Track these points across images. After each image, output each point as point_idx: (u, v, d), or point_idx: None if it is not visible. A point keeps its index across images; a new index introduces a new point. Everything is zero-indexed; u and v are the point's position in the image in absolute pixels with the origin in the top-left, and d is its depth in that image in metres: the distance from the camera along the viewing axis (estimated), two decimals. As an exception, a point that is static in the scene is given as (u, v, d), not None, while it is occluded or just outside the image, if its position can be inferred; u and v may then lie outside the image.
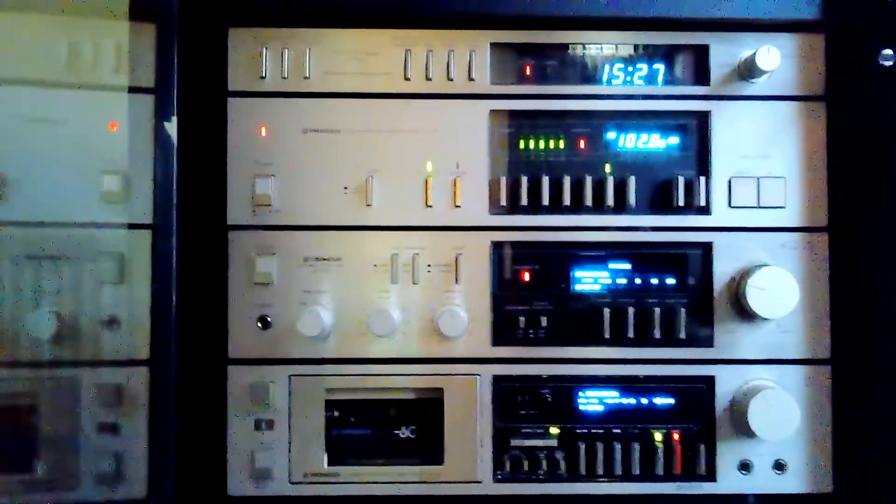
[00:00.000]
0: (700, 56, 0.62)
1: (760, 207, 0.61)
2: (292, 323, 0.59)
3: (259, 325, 0.59)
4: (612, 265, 0.61)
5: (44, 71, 0.57)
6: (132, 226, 0.58)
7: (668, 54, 0.62)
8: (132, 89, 0.58)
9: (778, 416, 0.58)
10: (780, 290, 0.58)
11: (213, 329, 0.60)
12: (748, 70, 0.61)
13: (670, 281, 0.61)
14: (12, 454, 0.56)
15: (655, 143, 0.62)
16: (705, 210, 0.61)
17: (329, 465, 0.59)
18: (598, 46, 0.62)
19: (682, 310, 0.60)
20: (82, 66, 0.58)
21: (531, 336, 0.60)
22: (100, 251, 0.57)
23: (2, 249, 0.57)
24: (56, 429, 0.56)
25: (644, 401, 0.61)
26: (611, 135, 0.62)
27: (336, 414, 0.60)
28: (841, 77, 0.61)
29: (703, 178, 0.61)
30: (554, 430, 0.60)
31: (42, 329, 0.56)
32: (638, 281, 0.61)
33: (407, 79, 0.61)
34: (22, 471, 0.56)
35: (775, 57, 0.59)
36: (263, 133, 0.60)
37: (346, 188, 0.60)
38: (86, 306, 0.57)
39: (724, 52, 0.62)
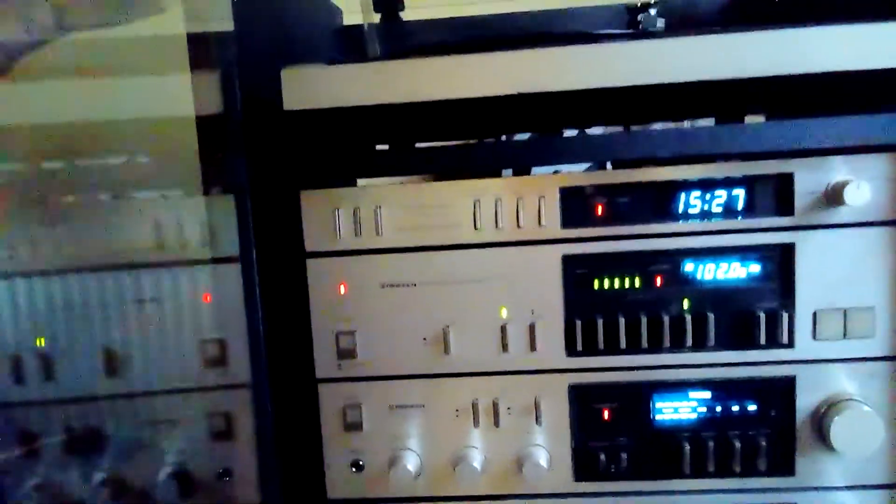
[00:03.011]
0: (783, 185, 0.59)
1: (847, 339, 0.60)
2: (383, 466, 0.63)
3: (353, 469, 0.64)
4: (691, 399, 0.62)
5: (138, 254, 0.61)
6: (232, 386, 0.63)
7: (748, 186, 0.59)
8: (216, 260, 0.61)
9: (861, 543, 0.59)
10: (865, 429, 0.58)
11: (313, 474, 0.64)
12: (836, 196, 0.58)
13: (751, 413, 0.61)
14: None
15: (735, 273, 0.60)
16: (788, 344, 0.60)
17: (427, 589, 0.65)
18: (674, 182, 0.60)
19: (763, 442, 0.61)
20: (172, 245, 0.61)
21: (612, 471, 0.62)
22: (208, 412, 0.63)
23: (120, 419, 0.63)
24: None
25: (725, 523, 0.63)
26: (688, 267, 0.61)
27: (430, 538, 0.65)
28: (941, 198, 0.57)
29: (786, 314, 0.59)
30: (636, 556, 0.64)
31: (167, 487, 0.62)
32: (718, 414, 0.62)
33: (477, 229, 0.61)
34: None
35: (865, 192, 0.56)
36: (343, 290, 0.62)
37: (424, 338, 0.62)
38: (201, 462, 0.63)
39: (811, 179, 0.58)
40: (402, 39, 0.96)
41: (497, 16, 0.96)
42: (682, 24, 0.69)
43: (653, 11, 0.66)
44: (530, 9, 0.97)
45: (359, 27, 0.97)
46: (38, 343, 0.61)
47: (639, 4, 0.67)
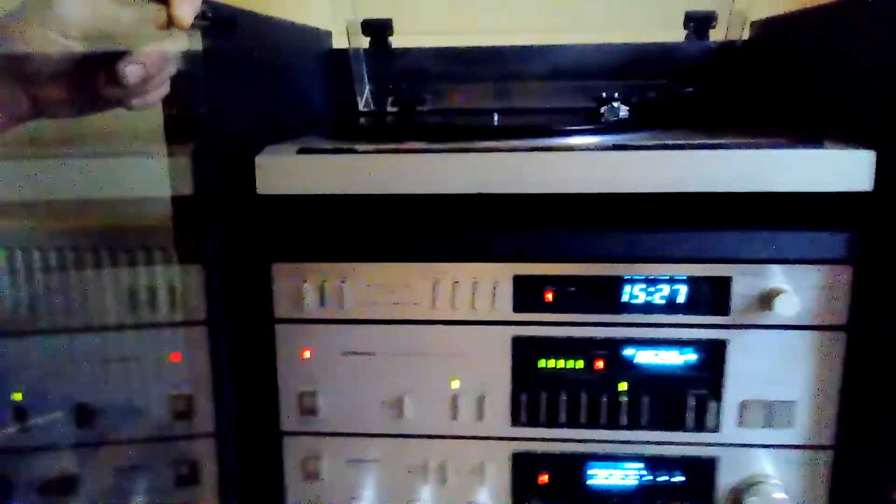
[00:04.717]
0: (721, 287, 0.63)
1: (769, 427, 0.65)
2: (341, 514, 0.69)
3: (313, 514, 0.70)
4: (623, 469, 0.67)
5: (112, 317, 0.65)
6: (199, 435, 0.68)
7: (689, 285, 0.63)
8: (186, 323, 0.66)
9: None
10: (777, 512, 0.64)
11: (274, 517, 0.71)
12: (768, 303, 0.62)
13: (676, 485, 0.67)
14: None
15: (671, 360, 0.65)
16: (714, 429, 0.65)
17: None
18: (620, 278, 0.64)
19: (686, 513, 0.67)
20: (144, 308, 0.65)
21: (547, 530, 0.69)
22: (174, 459, 0.68)
23: (93, 465, 0.68)
24: None
25: (647, 578, 0.69)
26: (628, 352, 0.65)
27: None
28: (866, 308, 0.62)
29: (714, 404, 0.64)
30: None
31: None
32: (646, 483, 0.67)
33: (434, 307, 0.65)
34: None
35: (795, 304, 0.60)
36: (307, 355, 0.67)
37: (382, 402, 0.67)
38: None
39: (747, 284, 0.62)
40: (391, 66, 0.98)
41: (483, 49, 0.99)
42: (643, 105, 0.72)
43: (615, 104, 0.68)
44: (514, 43, 0.99)
45: (347, 52, 0.99)
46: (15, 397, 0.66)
47: (604, 95, 0.69)
